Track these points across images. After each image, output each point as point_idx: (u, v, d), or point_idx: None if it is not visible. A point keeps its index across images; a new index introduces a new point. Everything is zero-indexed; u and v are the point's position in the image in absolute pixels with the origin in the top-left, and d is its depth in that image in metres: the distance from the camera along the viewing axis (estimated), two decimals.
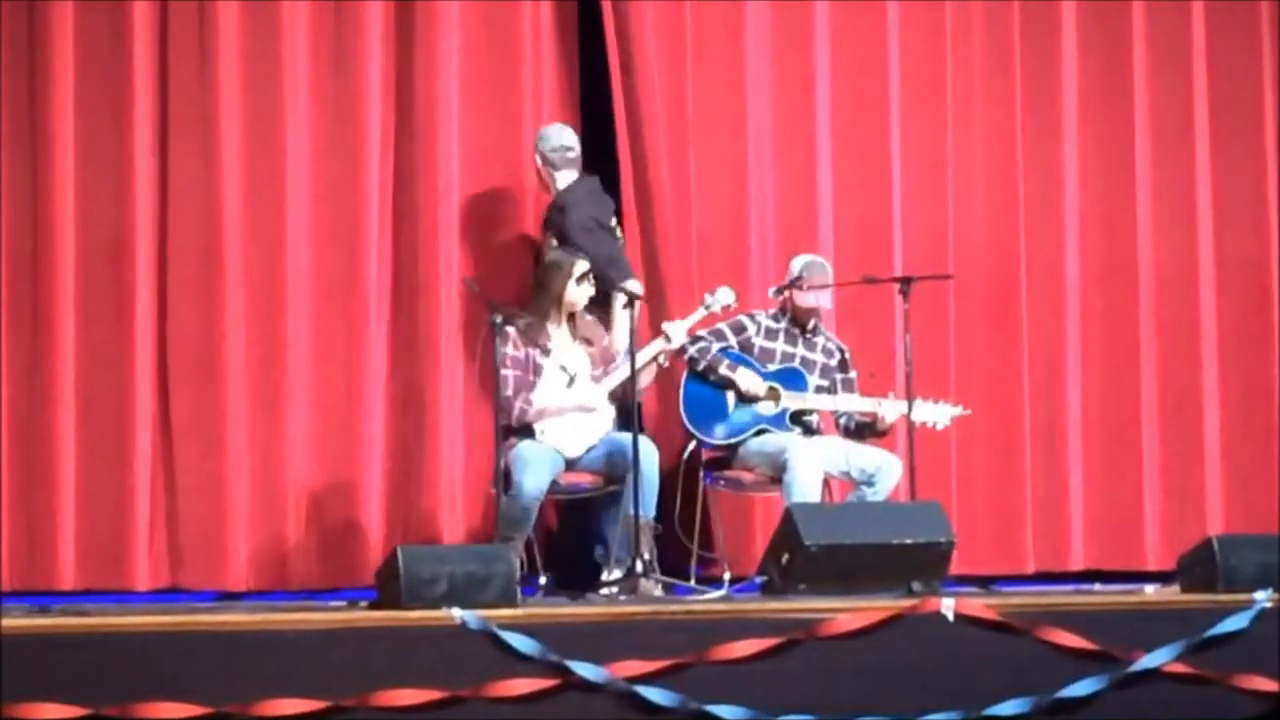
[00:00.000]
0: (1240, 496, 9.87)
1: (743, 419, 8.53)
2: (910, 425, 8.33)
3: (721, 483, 8.70)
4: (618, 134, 9.29)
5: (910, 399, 8.34)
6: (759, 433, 8.50)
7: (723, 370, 8.53)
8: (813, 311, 8.68)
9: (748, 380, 8.52)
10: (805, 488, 8.23)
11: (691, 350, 8.53)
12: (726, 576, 8.53)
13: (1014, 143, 9.81)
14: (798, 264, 8.72)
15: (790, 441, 8.40)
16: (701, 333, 8.57)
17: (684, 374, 8.59)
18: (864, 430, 8.58)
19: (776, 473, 8.39)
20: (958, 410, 8.54)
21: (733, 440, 8.53)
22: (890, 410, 8.48)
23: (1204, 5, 10.02)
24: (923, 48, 9.75)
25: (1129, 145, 9.92)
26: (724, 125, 9.50)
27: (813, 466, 8.31)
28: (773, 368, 8.61)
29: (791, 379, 8.58)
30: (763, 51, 9.54)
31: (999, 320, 9.76)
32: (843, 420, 8.66)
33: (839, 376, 8.73)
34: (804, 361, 8.65)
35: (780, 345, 8.66)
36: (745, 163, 9.50)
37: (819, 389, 8.62)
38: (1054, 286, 9.83)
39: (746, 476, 8.61)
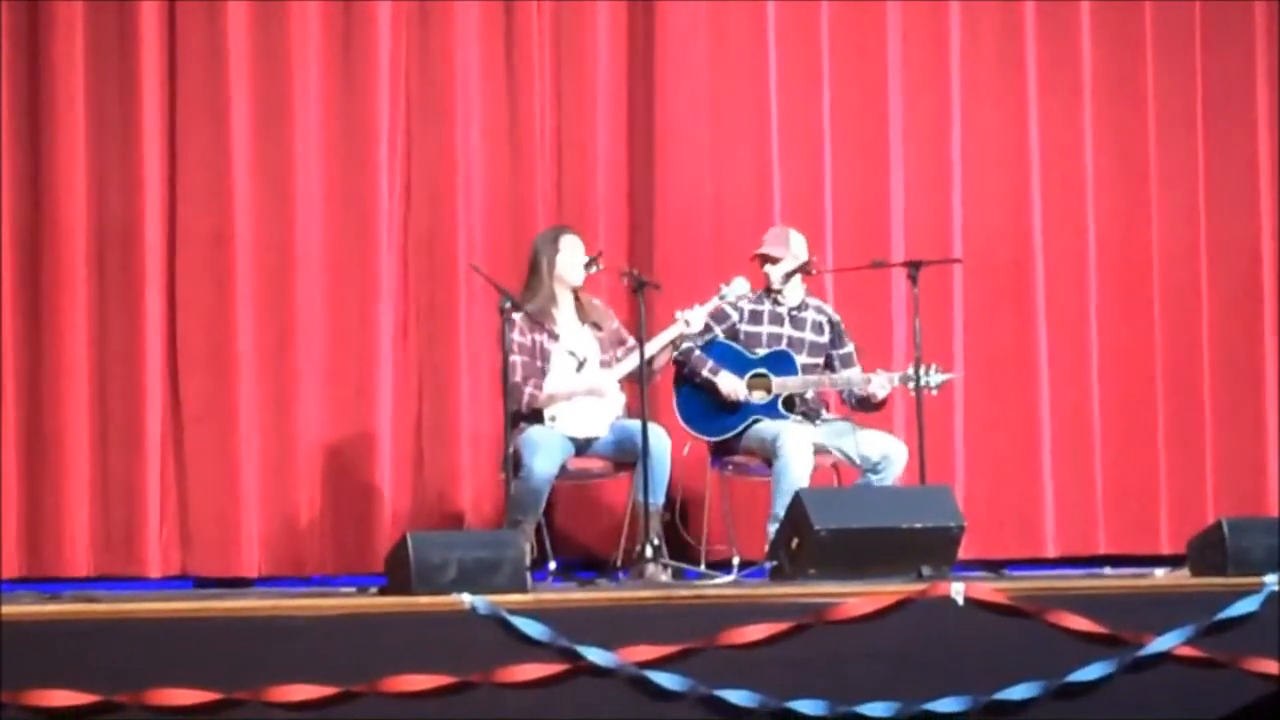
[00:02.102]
0: (1237, 480, 9.88)
1: (736, 413, 8.50)
2: (919, 411, 8.30)
3: (729, 468, 8.70)
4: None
5: (918, 373, 8.32)
6: (755, 423, 8.48)
7: (705, 374, 8.47)
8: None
9: (728, 384, 8.47)
10: (794, 475, 8.20)
11: (675, 354, 8.50)
12: (735, 561, 8.52)
13: (1027, 124, 9.82)
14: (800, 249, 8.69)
15: (782, 429, 8.36)
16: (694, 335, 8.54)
17: (674, 376, 8.55)
18: (863, 403, 8.55)
19: (771, 458, 8.36)
20: (948, 375, 8.49)
21: (727, 436, 8.52)
22: (880, 385, 8.45)
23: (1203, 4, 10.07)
24: (930, 30, 9.75)
25: (1143, 127, 9.96)
26: (728, 114, 9.49)
27: (803, 454, 8.26)
28: (761, 352, 8.57)
29: (779, 363, 8.53)
30: (769, 34, 9.54)
31: (1015, 303, 9.76)
32: (844, 394, 8.63)
33: (835, 352, 8.66)
34: (791, 341, 8.60)
35: (766, 327, 8.60)
36: (750, 148, 9.51)
37: (809, 368, 8.59)
38: (1073, 268, 9.85)
39: (751, 461, 8.59)
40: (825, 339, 8.66)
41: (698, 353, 8.50)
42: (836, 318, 8.74)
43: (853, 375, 8.56)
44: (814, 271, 8.67)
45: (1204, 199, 10.02)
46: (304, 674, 6.00)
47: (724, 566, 8.44)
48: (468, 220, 9.13)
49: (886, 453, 8.39)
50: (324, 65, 9.02)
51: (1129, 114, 9.97)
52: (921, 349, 8.41)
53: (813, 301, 8.74)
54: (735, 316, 8.58)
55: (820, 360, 8.64)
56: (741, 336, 8.58)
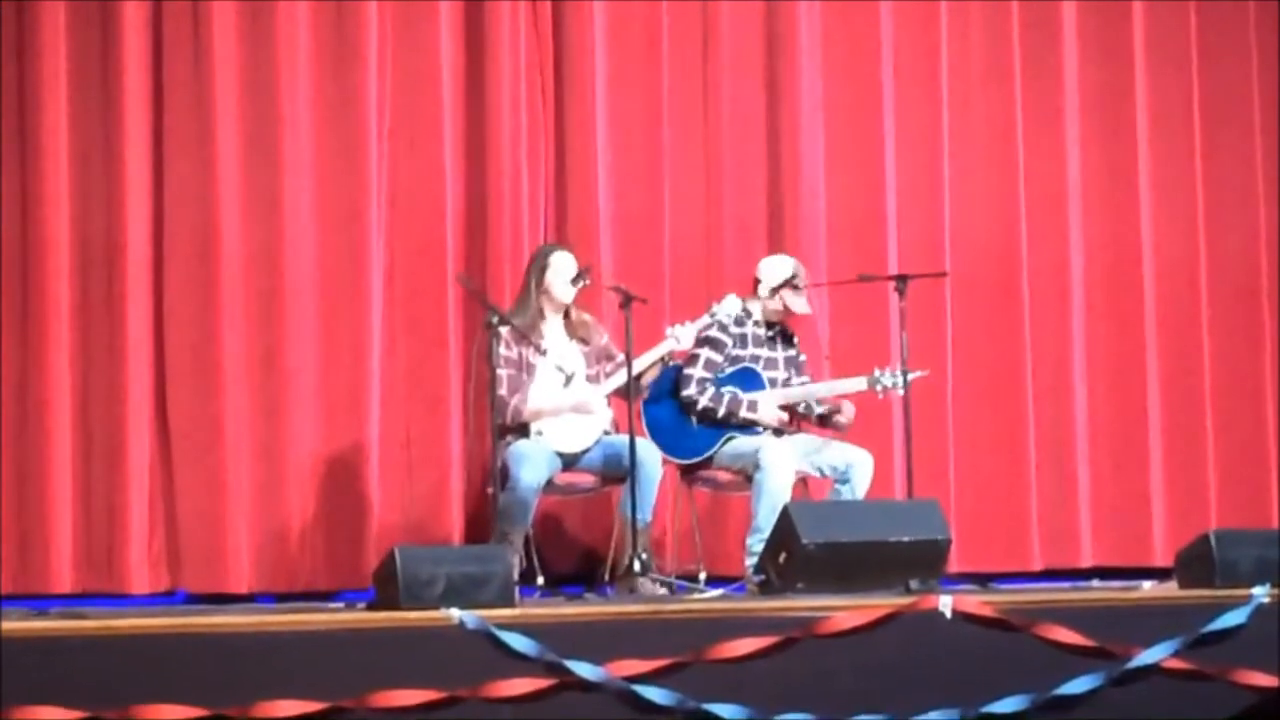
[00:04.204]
0: (1239, 490, 9.88)
1: (709, 433, 8.49)
2: (907, 424, 8.34)
3: (699, 483, 8.68)
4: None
5: (900, 374, 8.32)
6: (728, 440, 8.47)
7: (743, 414, 8.43)
8: (788, 315, 8.65)
9: (768, 413, 8.46)
10: (775, 489, 8.20)
11: (704, 401, 8.42)
12: (703, 576, 8.52)
13: (1014, 137, 9.83)
14: (787, 266, 8.66)
15: (764, 443, 8.36)
16: (700, 373, 8.46)
17: (643, 398, 8.48)
18: (824, 420, 8.56)
19: (751, 472, 8.35)
20: (917, 373, 8.47)
21: (705, 456, 8.50)
22: (851, 387, 8.48)
23: (1198, 3, 10.05)
24: (919, 41, 9.76)
25: (1131, 139, 9.95)
26: (716, 120, 9.50)
27: (785, 468, 8.27)
28: (730, 370, 8.56)
29: (746, 380, 8.53)
30: (756, 48, 9.55)
31: (1002, 316, 9.76)
32: (801, 408, 8.60)
33: (798, 359, 8.67)
34: (767, 362, 8.59)
35: (749, 349, 8.60)
36: (744, 159, 9.51)
37: (784, 384, 8.58)
38: (1058, 281, 9.85)
39: (722, 476, 8.57)
40: (791, 354, 8.66)
41: (730, 395, 8.46)
42: (790, 329, 8.74)
43: (818, 387, 8.54)
44: (799, 286, 8.62)
45: (1203, 206, 9.99)
46: (292, 690, 5.99)
47: (691, 579, 8.44)
48: (456, 233, 9.12)
49: (851, 461, 8.41)
50: (311, 78, 9.00)
51: (1121, 127, 9.95)
52: (908, 363, 8.41)
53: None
54: (728, 341, 8.55)
55: (788, 376, 8.63)
56: (747, 358, 8.57)
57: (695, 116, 9.49)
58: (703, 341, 8.50)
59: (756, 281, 8.65)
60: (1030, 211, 9.83)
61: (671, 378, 8.51)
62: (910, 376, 8.38)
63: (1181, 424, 9.93)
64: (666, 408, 8.52)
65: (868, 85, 9.67)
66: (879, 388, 8.42)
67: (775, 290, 8.63)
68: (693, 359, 8.51)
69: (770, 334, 8.65)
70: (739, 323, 8.59)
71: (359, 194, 9.00)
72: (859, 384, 8.47)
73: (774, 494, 8.16)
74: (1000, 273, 9.79)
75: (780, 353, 8.65)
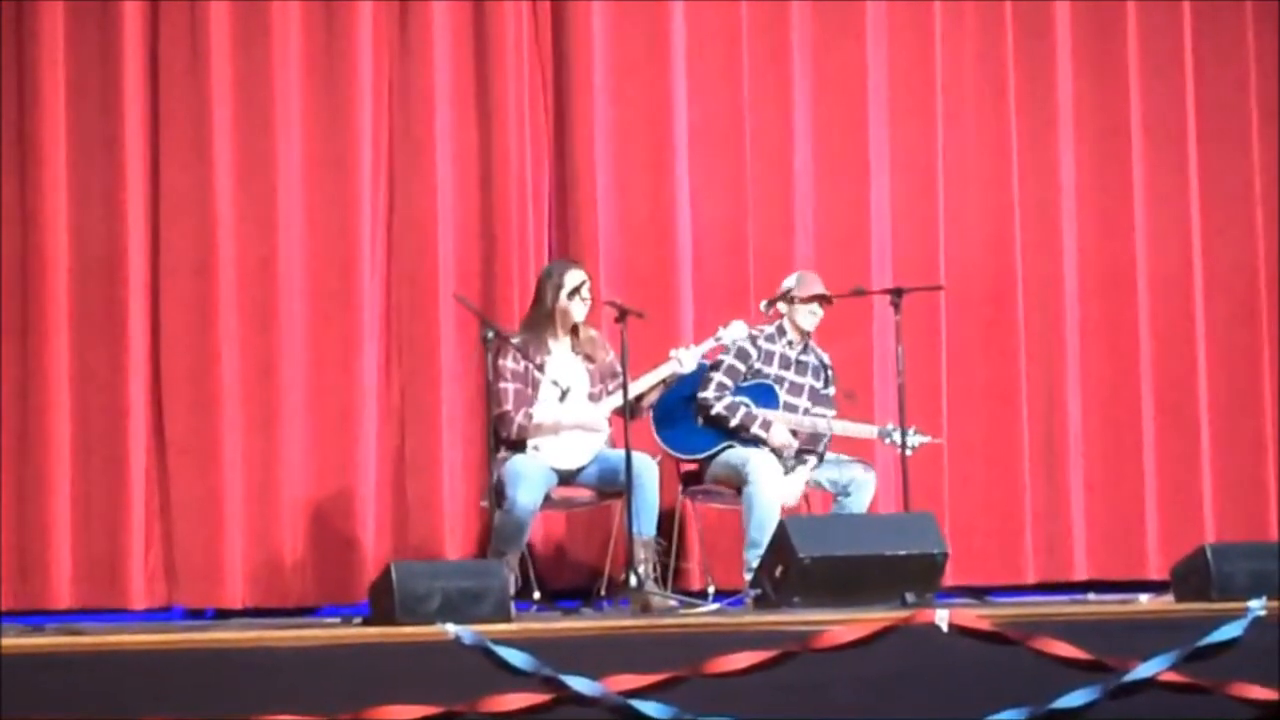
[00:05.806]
0: (1236, 504, 9.87)
1: (710, 435, 8.49)
2: (903, 437, 8.33)
3: (699, 496, 8.68)
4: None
5: (903, 423, 8.33)
6: (727, 448, 8.46)
7: (755, 430, 8.41)
8: (799, 330, 8.64)
9: (780, 437, 8.45)
10: (764, 502, 8.19)
11: (719, 408, 8.43)
12: (711, 590, 8.51)
13: (1008, 149, 9.82)
14: (791, 280, 8.67)
15: (753, 456, 8.35)
16: (721, 378, 8.48)
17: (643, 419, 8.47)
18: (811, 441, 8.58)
19: (741, 485, 8.35)
20: (926, 438, 8.49)
21: (700, 456, 8.50)
22: (855, 436, 8.51)
23: (1193, 6, 10.04)
24: (912, 52, 9.75)
25: (1125, 149, 9.93)
26: (707, 132, 9.50)
27: (772, 479, 8.26)
28: (749, 382, 8.56)
29: (761, 395, 8.53)
30: (743, 55, 9.55)
31: (995, 329, 9.75)
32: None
33: (822, 393, 8.67)
34: (791, 387, 8.59)
35: (774, 369, 8.59)
36: (735, 172, 9.52)
37: (805, 413, 8.58)
38: (1052, 295, 9.84)
39: (716, 490, 8.56)
40: (820, 382, 8.64)
41: (745, 409, 8.46)
42: (827, 360, 8.72)
43: (824, 422, 8.53)
44: (794, 300, 8.62)
45: (1199, 217, 9.95)
46: (289, 705, 5.99)
47: (697, 594, 8.43)
48: (453, 246, 9.12)
49: (854, 476, 8.43)
50: (306, 97, 9.02)
51: (1115, 137, 9.93)
52: (905, 374, 8.41)
53: (813, 345, 8.70)
54: (755, 355, 8.54)
55: (812, 406, 8.61)
56: (770, 376, 8.56)
57: (698, 125, 9.48)
58: (731, 350, 8.51)
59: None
60: (1024, 223, 9.82)
61: (696, 375, 8.49)
62: (920, 441, 8.39)
63: (1176, 437, 9.91)
64: (675, 400, 8.50)
65: (860, 98, 9.66)
66: (887, 440, 8.44)
67: (773, 303, 8.63)
68: (718, 364, 8.50)
69: (802, 358, 8.63)
70: (770, 340, 8.59)
71: (353, 210, 9.01)
72: (869, 432, 8.48)
73: (763, 506, 8.16)
74: (994, 285, 9.78)
75: (808, 381, 8.62)
